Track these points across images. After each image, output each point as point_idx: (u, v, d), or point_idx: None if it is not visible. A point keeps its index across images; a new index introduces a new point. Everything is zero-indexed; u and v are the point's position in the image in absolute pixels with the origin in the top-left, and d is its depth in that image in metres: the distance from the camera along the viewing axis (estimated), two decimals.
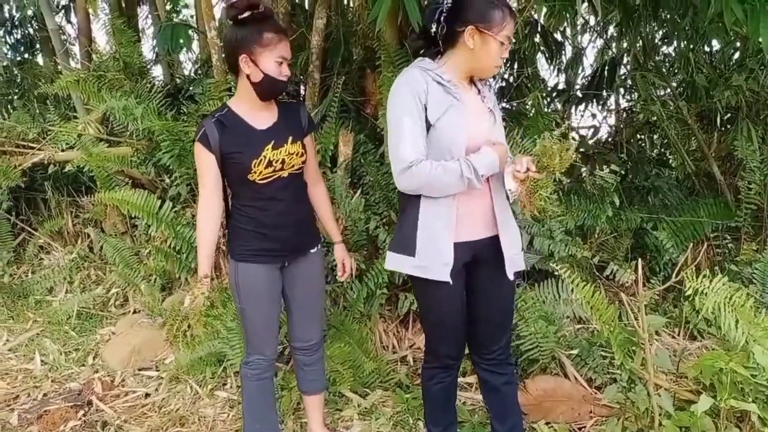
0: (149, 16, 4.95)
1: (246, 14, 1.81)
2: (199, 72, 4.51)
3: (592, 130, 4.41)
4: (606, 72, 3.98)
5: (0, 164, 3.68)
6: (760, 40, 1.96)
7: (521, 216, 2.69)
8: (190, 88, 3.74)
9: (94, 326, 3.45)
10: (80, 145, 3.48)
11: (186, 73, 5.14)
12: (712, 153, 3.76)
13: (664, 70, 4.06)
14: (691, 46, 3.84)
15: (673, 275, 1.87)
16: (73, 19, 5.02)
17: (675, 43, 4.05)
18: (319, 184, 2.14)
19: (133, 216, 3.40)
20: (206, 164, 1.89)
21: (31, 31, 5.49)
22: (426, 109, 1.68)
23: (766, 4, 1.96)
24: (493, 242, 1.80)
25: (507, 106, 3.77)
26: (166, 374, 2.87)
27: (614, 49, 4.57)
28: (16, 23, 5.46)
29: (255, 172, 1.86)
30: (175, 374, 2.85)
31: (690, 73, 3.75)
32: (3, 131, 3.89)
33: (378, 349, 2.87)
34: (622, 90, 4.45)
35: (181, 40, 3.50)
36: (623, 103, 4.74)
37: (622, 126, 4.61)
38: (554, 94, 4.45)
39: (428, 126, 1.69)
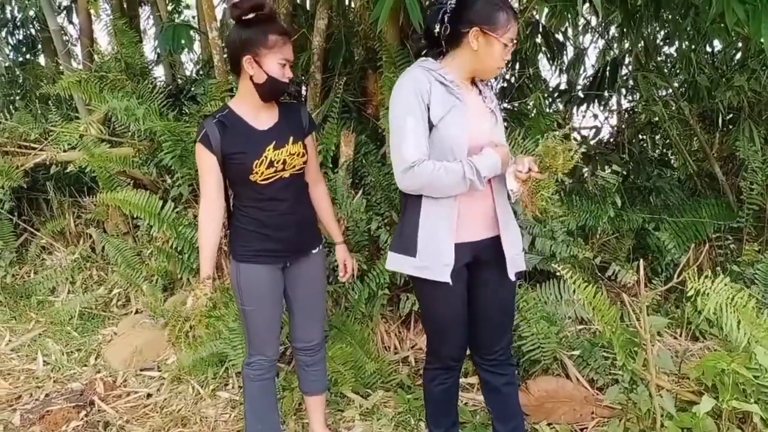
0: (151, 16, 4.96)
1: (251, 15, 1.81)
2: (201, 72, 4.53)
3: (593, 130, 4.41)
4: (608, 72, 3.98)
5: (2, 165, 3.70)
6: (762, 40, 1.96)
7: (523, 216, 2.68)
8: (192, 89, 3.75)
9: (96, 326, 3.46)
10: (82, 145, 3.49)
11: (187, 73, 5.16)
12: (713, 153, 3.76)
13: (665, 70, 4.06)
14: (693, 47, 3.84)
15: (675, 276, 1.87)
16: (75, 19, 5.02)
17: (676, 43, 4.05)
18: (320, 185, 2.14)
19: (135, 216, 3.41)
20: (207, 165, 1.89)
21: (33, 31, 5.51)
22: (429, 109, 1.67)
23: (767, 4, 1.96)
24: (495, 243, 1.80)
25: (509, 107, 3.77)
26: (168, 375, 2.88)
27: (616, 50, 4.57)
28: (18, 24, 5.47)
29: (256, 173, 1.86)
30: (177, 375, 2.85)
31: (692, 74, 3.75)
32: (5, 132, 3.90)
33: (379, 349, 2.87)
34: (623, 90, 4.45)
35: (183, 41, 3.50)
36: (625, 104, 4.75)
37: (623, 126, 4.61)
38: (556, 95, 4.46)
39: (430, 126, 1.68)
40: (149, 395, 2.78)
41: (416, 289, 1.89)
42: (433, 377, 1.96)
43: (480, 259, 1.81)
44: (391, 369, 2.75)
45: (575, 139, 4.07)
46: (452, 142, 1.69)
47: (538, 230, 2.87)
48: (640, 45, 3.90)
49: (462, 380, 2.57)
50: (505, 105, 3.79)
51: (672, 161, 4.36)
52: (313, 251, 2.06)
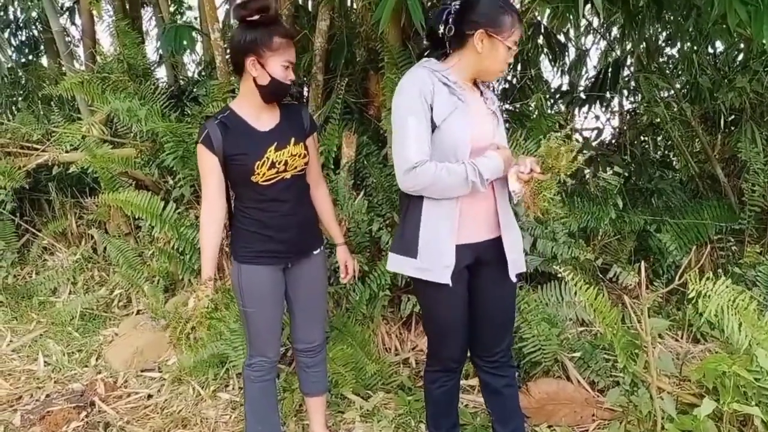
0: (153, 17, 4.97)
1: (256, 17, 1.80)
2: (203, 74, 4.53)
3: (595, 132, 4.41)
4: (609, 73, 3.98)
5: (5, 165, 3.71)
6: (764, 41, 1.96)
7: (525, 217, 2.68)
8: (194, 90, 3.76)
9: (97, 327, 3.46)
10: (84, 146, 3.50)
11: (190, 74, 5.17)
12: (715, 155, 3.76)
13: (667, 71, 4.05)
14: (695, 48, 3.83)
15: (677, 278, 1.86)
16: (78, 20, 5.05)
17: (678, 44, 4.04)
18: (322, 186, 2.14)
19: (136, 217, 3.41)
20: (209, 166, 1.89)
21: (35, 32, 5.52)
22: (432, 109, 1.67)
23: None
24: (496, 244, 1.80)
25: (510, 108, 3.77)
26: (169, 376, 2.88)
27: (618, 51, 4.57)
28: (21, 25, 5.49)
29: (258, 174, 1.86)
30: (177, 376, 2.85)
31: (694, 75, 3.74)
32: (7, 132, 3.91)
33: (380, 351, 2.87)
34: (625, 92, 4.44)
35: (185, 42, 3.51)
36: (627, 105, 4.74)
37: (625, 128, 4.60)
38: (557, 96, 4.46)
39: (433, 127, 1.68)
40: (150, 396, 2.78)
41: (417, 290, 1.89)
42: (433, 379, 1.96)
43: (481, 261, 1.81)
44: (392, 370, 2.75)
45: (577, 140, 4.06)
46: (455, 144, 1.68)
47: (539, 231, 2.87)
48: (641, 46, 3.89)
49: (462, 382, 2.57)
50: (507, 106, 3.78)
51: (674, 163, 4.36)
52: (315, 252, 2.06)
